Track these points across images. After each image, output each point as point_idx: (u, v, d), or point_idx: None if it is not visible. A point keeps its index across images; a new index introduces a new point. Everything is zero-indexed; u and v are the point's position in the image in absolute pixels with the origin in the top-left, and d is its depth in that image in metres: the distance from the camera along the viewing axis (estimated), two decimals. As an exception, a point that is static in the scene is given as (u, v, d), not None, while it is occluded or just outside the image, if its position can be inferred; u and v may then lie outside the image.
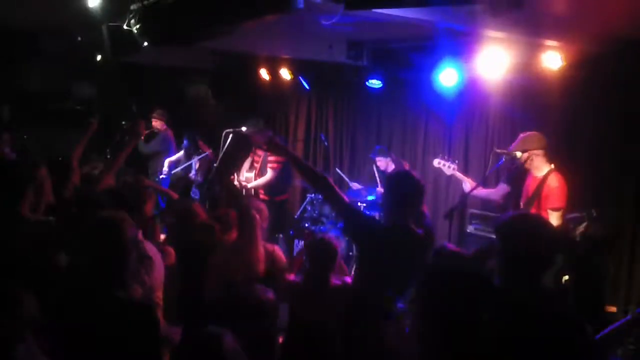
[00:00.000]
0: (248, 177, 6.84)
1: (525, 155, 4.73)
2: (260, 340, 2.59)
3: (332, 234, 4.76)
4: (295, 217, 7.58)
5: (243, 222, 3.58)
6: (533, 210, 4.67)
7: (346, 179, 7.62)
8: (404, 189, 3.33)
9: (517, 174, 5.01)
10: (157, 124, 8.03)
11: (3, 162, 5.49)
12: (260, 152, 6.73)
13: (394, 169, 7.00)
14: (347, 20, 4.67)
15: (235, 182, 6.51)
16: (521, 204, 4.89)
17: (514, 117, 6.45)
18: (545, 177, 4.69)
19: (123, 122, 7.80)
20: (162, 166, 7.85)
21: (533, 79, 5.74)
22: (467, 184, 5.32)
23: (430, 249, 3.38)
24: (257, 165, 6.79)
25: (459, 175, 5.48)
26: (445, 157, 5.66)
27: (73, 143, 5.00)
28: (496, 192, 5.28)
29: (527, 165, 4.77)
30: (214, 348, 1.86)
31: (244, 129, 6.51)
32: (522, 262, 2.37)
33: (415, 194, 3.35)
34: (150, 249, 3.24)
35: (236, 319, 2.52)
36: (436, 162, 5.58)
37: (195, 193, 7.41)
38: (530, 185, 4.82)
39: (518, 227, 2.48)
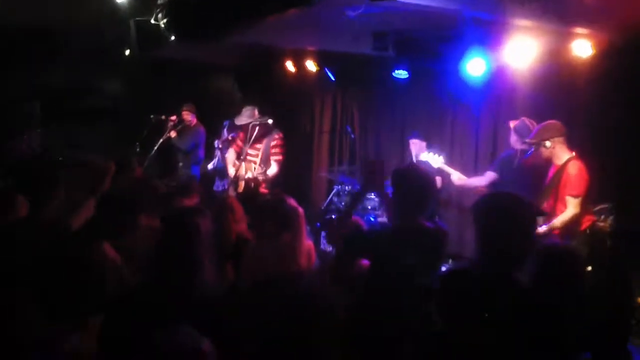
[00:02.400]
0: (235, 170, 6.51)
1: (551, 143, 4.70)
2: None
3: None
4: (322, 208, 7.59)
5: (291, 217, 3.61)
6: (551, 198, 4.68)
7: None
8: (412, 185, 3.14)
9: (534, 164, 5.01)
10: (187, 117, 8.11)
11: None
12: (241, 142, 6.52)
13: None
14: (373, 11, 4.65)
15: (247, 175, 6.36)
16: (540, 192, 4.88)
17: (542, 107, 6.36)
18: (565, 164, 4.68)
19: (151, 117, 7.94)
20: (198, 159, 7.96)
21: (562, 67, 5.66)
22: (455, 175, 5.47)
23: (445, 245, 3.18)
24: (257, 158, 6.44)
25: (446, 167, 5.63)
26: (433, 150, 5.80)
27: (100, 139, 5.04)
28: (482, 179, 5.37)
29: (548, 154, 4.74)
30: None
31: (244, 119, 6.44)
32: (495, 239, 2.33)
33: (425, 189, 3.17)
34: None
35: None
36: (424, 155, 5.71)
37: (217, 186, 7.44)
38: (550, 174, 4.81)
39: (491, 205, 2.46)
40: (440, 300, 2.23)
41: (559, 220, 4.61)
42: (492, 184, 5.36)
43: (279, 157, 6.44)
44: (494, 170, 5.40)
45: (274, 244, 3.56)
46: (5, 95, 8.58)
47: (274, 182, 6.44)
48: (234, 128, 7.04)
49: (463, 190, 6.55)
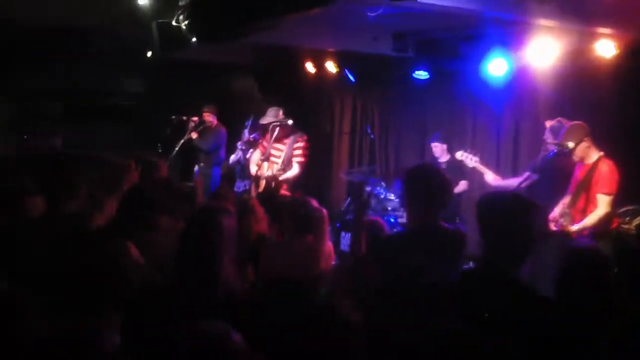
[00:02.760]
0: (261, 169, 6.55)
1: (581, 144, 4.68)
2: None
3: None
4: (342, 209, 7.58)
5: (316, 220, 3.62)
6: (582, 197, 4.68)
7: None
8: (424, 184, 3.06)
9: (561, 165, 4.96)
10: (208, 118, 8.16)
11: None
12: (266, 142, 6.52)
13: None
14: (392, 12, 4.63)
15: (267, 172, 6.36)
16: (569, 192, 4.86)
17: (565, 107, 6.28)
18: (596, 163, 4.68)
19: (172, 117, 8.01)
20: (220, 160, 8.00)
21: (585, 67, 5.58)
22: (490, 175, 5.47)
23: (463, 246, 3.13)
24: (280, 159, 6.41)
25: (480, 167, 5.63)
26: (468, 150, 5.75)
27: (121, 139, 5.10)
28: (519, 181, 5.32)
29: (577, 154, 4.70)
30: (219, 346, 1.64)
31: (268, 119, 6.47)
32: (500, 239, 2.38)
33: (443, 188, 3.09)
34: None
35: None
36: (459, 155, 5.72)
37: (238, 187, 7.47)
38: (579, 174, 4.79)
39: (496, 205, 2.49)
40: (454, 301, 2.23)
41: (590, 219, 4.58)
42: (529, 186, 5.28)
43: (302, 160, 6.42)
44: (532, 171, 5.33)
45: (296, 246, 3.57)
46: (29, 95, 8.73)
47: (295, 184, 6.43)
48: (255, 128, 7.08)
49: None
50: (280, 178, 6.33)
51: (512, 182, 5.57)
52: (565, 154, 4.90)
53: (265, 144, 6.63)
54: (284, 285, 3.10)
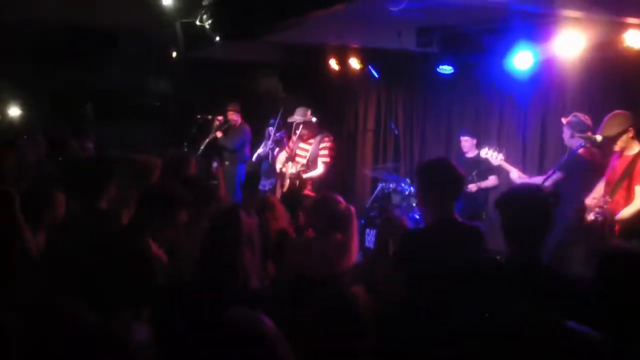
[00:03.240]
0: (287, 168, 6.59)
1: (625, 134, 4.59)
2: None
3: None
4: (366, 206, 7.58)
5: (345, 219, 3.64)
6: (622, 189, 4.58)
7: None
8: (437, 179, 3.08)
9: (588, 159, 4.89)
10: (233, 116, 8.23)
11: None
12: (292, 141, 6.57)
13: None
14: (416, 6, 4.61)
15: (291, 170, 6.39)
16: (606, 184, 4.76)
17: (592, 100, 6.18)
18: (637, 155, 4.58)
19: (198, 116, 8.09)
20: (244, 158, 8.06)
21: (613, 59, 5.49)
22: (515, 172, 5.42)
23: (481, 241, 3.12)
24: (305, 159, 6.43)
25: (505, 165, 5.58)
26: (493, 147, 5.70)
27: (149, 138, 5.19)
28: (543, 179, 5.24)
29: (619, 144, 4.63)
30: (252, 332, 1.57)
31: (296, 118, 6.48)
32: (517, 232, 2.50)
33: (453, 181, 3.11)
34: None
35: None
36: (484, 152, 5.66)
37: (263, 185, 7.51)
38: (619, 165, 4.68)
39: (513, 199, 2.59)
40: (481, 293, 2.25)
41: (626, 211, 4.49)
42: (554, 183, 5.21)
43: (327, 160, 6.40)
44: (558, 170, 5.24)
45: (326, 243, 3.57)
46: (60, 96, 8.90)
47: (320, 184, 6.41)
48: (280, 127, 7.12)
49: None
50: (304, 176, 6.33)
51: (537, 180, 5.49)
52: (592, 148, 4.81)
53: (290, 143, 6.66)
54: (310, 282, 3.12)
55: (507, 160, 5.76)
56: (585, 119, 5.15)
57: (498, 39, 5.67)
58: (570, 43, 5.17)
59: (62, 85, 8.94)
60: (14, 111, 8.91)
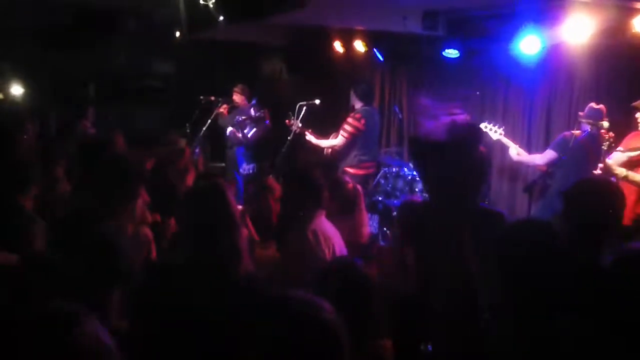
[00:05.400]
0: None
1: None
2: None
3: None
4: (369, 191, 7.54)
5: (353, 195, 3.63)
6: None
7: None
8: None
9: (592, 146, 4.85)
10: (238, 98, 8.16)
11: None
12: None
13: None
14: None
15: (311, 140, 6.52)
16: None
17: (600, 86, 6.12)
18: None
19: (200, 98, 8.04)
20: (248, 140, 8.06)
21: (622, 45, 5.41)
22: (514, 149, 5.42)
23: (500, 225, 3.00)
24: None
25: (505, 140, 5.57)
26: (493, 122, 5.66)
27: (151, 119, 5.16)
28: (542, 157, 5.30)
29: None
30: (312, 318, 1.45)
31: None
32: (587, 228, 2.39)
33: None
34: None
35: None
36: (483, 126, 5.67)
37: (246, 170, 7.52)
38: None
39: (586, 193, 2.51)
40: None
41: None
42: (551, 163, 5.22)
43: (347, 135, 6.39)
44: (553, 149, 5.26)
45: (341, 227, 3.53)
46: (61, 77, 8.85)
47: (338, 156, 6.51)
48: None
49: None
50: (324, 144, 6.54)
51: (535, 158, 5.51)
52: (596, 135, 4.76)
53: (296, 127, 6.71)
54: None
55: (506, 136, 5.76)
56: (600, 107, 5.13)
57: (505, 23, 5.59)
58: (579, 28, 5.10)
59: (64, 66, 8.89)
60: (16, 90, 8.88)
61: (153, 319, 2.12)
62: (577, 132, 5.20)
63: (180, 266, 2.35)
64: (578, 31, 5.13)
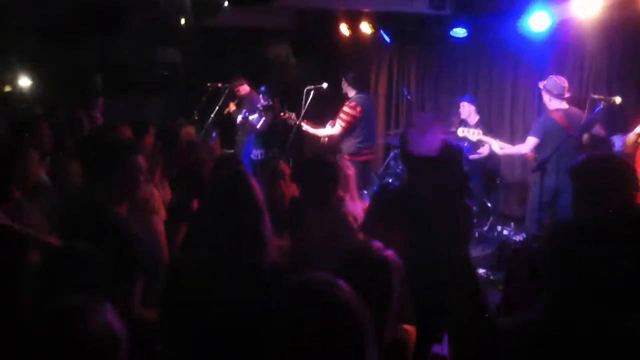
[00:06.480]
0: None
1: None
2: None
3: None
4: (379, 173, 7.54)
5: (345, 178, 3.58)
6: None
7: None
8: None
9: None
10: (242, 90, 8.14)
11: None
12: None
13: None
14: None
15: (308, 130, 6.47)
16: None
17: (611, 61, 6.04)
18: None
19: (208, 84, 8.01)
20: (256, 128, 8.05)
21: (632, 19, 5.34)
22: (495, 144, 5.43)
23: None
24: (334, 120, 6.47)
25: (485, 138, 5.70)
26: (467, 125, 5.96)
27: (159, 107, 5.15)
28: (526, 146, 5.27)
29: None
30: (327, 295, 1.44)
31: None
32: (594, 195, 2.44)
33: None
34: None
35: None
36: (460, 132, 5.77)
37: (255, 155, 7.49)
38: None
39: (593, 166, 2.54)
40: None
41: None
42: (536, 149, 5.19)
43: (344, 124, 6.24)
44: (533, 135, 5.22)
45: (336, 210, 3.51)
46: (69, 67, 8.85)
47: (332, 145, 6.40)
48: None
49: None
50: (321, 133, 6.43)
51: (520, 148, 5.46)
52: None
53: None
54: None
55: (489, 133, 5.80)
56: (560, 80, 5.16)
57: (513, 0, 5.53)
58: (588, 3, 5.04)
59: (71, 57, 8.88)
60: (24, 82, 8.90)
61: (183, 309, 2.16)
62: (554, 111, 5.15)
63: (205, 256, 2.34)
64: (587, 6, 5.07)
